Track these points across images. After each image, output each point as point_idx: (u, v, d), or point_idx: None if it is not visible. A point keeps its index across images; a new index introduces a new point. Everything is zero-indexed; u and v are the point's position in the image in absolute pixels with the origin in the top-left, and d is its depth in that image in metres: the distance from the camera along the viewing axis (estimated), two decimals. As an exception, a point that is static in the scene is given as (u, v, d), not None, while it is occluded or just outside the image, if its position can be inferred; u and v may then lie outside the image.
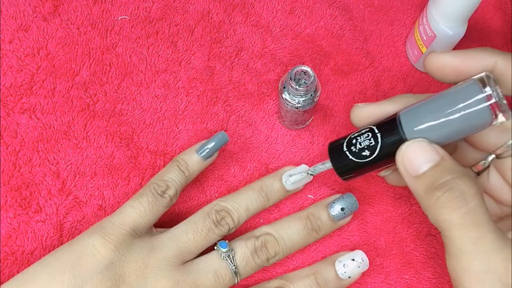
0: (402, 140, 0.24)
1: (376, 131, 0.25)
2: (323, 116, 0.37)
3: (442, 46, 0.35)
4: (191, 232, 0.29)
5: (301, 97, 0.31)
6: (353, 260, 0.31)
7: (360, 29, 0.40)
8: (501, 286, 0.19)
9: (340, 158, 0.27)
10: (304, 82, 0.30)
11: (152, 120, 0.36)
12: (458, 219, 0.20)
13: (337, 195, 0.33)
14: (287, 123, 0.35)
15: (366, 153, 0.26)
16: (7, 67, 0.36)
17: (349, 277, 0.30)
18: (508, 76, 0.23)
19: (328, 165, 0.29)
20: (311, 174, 0.31)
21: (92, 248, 0.26)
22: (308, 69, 0.30)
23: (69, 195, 0.33)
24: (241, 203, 0.31)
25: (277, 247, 0.30)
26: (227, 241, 0.30)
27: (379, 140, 0.25)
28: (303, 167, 0.33)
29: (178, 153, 0.35)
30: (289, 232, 0.31)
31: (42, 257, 0.28)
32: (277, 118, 0.36)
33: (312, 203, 0.34)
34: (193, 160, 0.31)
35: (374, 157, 0.25)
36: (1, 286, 0.26)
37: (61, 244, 0.32)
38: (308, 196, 0.34)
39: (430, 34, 0.35)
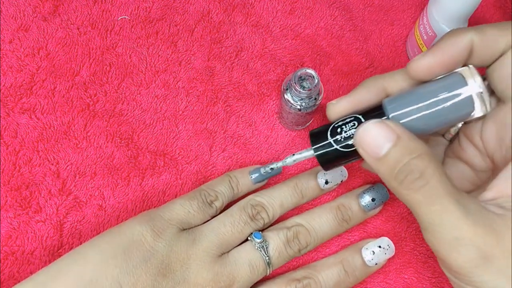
0: None
1: (362, 119, 0.25)
2: (323, 116, 0.37)
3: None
4: (228, 224, 0.30)
5: (304, 100, 0.31)
6: (380, 247, 0.31)
7: (360, 29, 0.40)
8: (473, 248, 0.20)
9: (324, 147, 0.26)
10: (308, 85, 0.30)
11: (152, 120, 0.36)
12: (422, 198, 0.22)
13: (368, 186, 0.33)
14: (287, 123, 0.35)
15: (352, 142, 0.25)
16: (7, 67, 0.36)
17: (376, 264, 0.31)
18: (485, 48, 0.23)
19: (307, 154, 0.28)
20: (281, 166, 0.30)
21: (142, 237, 0.28)
22: (313, 73, 0.30)
23: (69, 195, 0.33)
24: (276, 199, 0.32)
25: (309, 237, 0.31)
26: (261, 232, 0.30)
27: None
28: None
29: (178, 153, 0.35)
30: (320, 222, 0.32)
31: (42, 257, 0.28)
32: (277, 118, 0.36)
33: (314, 207, 0.34)
34: (244, 180, 0.32)
35: None
36: (53, 263, 0.27)
37: (61, 244, 0.32)
38: (308, 196, 0.34)
39: (430, 34, 0.35)
